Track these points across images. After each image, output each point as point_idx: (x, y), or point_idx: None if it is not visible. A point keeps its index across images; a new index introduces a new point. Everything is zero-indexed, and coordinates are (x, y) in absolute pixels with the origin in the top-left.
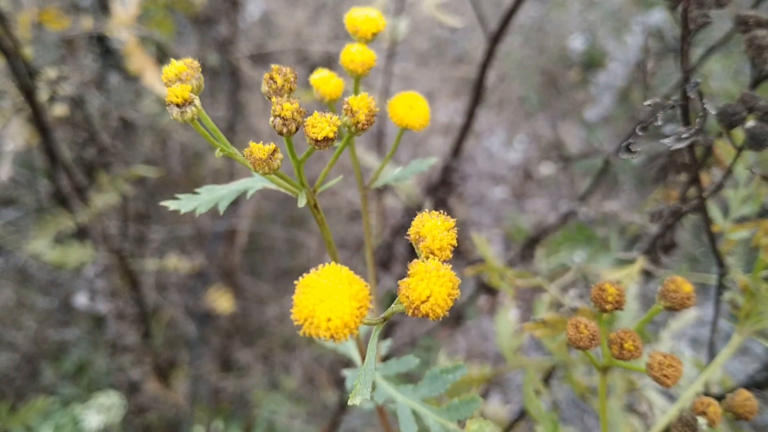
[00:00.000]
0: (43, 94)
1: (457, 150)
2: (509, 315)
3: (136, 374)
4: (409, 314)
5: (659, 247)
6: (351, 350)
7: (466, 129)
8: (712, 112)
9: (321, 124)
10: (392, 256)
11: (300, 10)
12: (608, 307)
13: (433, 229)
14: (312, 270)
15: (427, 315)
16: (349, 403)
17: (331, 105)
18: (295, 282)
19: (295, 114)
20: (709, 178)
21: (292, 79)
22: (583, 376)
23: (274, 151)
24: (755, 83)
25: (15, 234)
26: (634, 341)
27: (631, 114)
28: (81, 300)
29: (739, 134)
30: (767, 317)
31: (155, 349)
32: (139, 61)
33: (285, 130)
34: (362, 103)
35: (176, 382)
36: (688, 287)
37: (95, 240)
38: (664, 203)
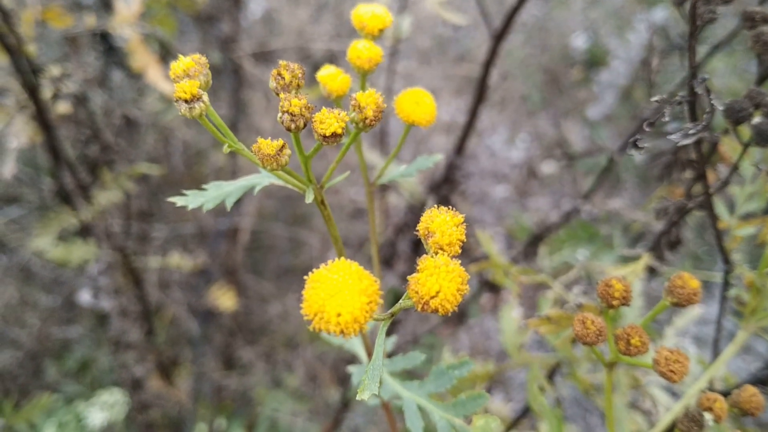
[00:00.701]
0: (46, 92)
1: (460, 148)
2: (513, 312)
3: (139, 372)
4: (419, 309)
5: (664, 244)
6: (357, 347)
7: (469, 127)
8: (720, 108)
9: (329, 120)
10: (395, 254)
11: (302, 8)
12: (615, 302)
13: (442, 224)
14: (321, 265)
15: (436, 310)
16: (357, 397)
17: (337, 102)
18: (305, 277)
19: (304, 110)
20: (714, 175)
21: (299, 75)
22: (587, 373)
23: (283, 146)
24: (761, 79)
25: (18, 232)
26: (640, 337)
27: (634, 113)
28: (84, 297)
29: (745, 131)
30: None
31: (158, 347)
32: (142, 58)
33: (293, 126)
34: (370, 99)
35: (179, 380)
36: (695, 283)
37: (98, 238)
38: (670, 200)
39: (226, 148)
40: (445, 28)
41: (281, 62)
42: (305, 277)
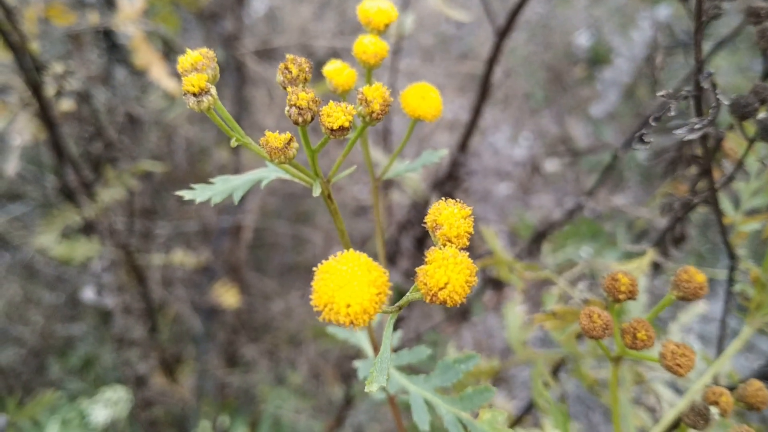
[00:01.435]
0: (49, 89)
1: (463, 145)
2: (517, 308)
3: (142, 369)
4: (427, 301)
5: (669, 240)
6: (362, 341)
7: (472, 124)
8: (725, 103)
9: (336, 114)
10: (398, 251)
11: (305, 6)
12: (621, 296)
13: (450, 216)
14: (330, 257)
15: (444, 302)
16: (366, 389)
17: (343, 96)
18: (314, 269)
19: (311, 103)
20: (719, 171)
21: (307, 69)
22: (591, 369)
23: (291, 140)
24: (767, 75)
25: (22, 229)
26: (647, 331)
27: (638, 110)
28: (87, 295)
29: (750, 126)
30: None
31: (161, 344)
32: (145, 55)
33: (300, 119)
34: (377, 92)
35: (182, 377)
36: (701, 277)
37: (102, 235)
38: (675, 195)
39: (233, 142)
40: (448, 25)
41: (288, 56)
42: (314, 269)
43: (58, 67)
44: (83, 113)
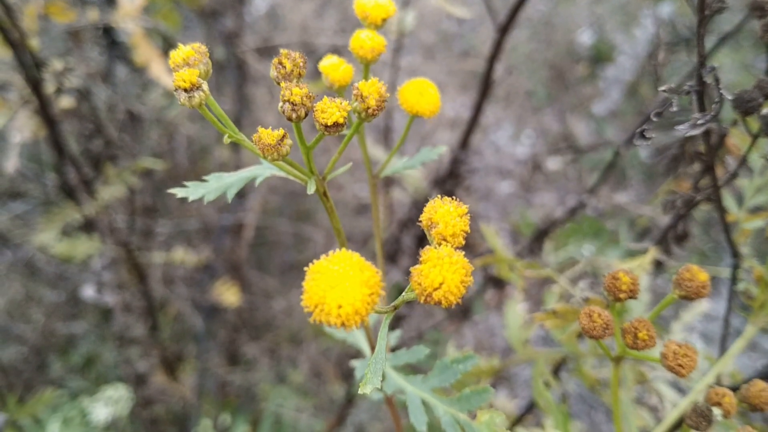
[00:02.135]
0: (49, 86)
1: (465, 142)
2: (518, 306)
3: (143, 367)
4: (421, 301)
5: (671, 238)
6: (360, 341)
7: (474, 122)
8: (729, 98)
9: (331, 110)
10: (400, 249)
11: (306, 4)
12: (622, 295)
13: (445, 215)
14: (322, 256)
15: (439, 302)
16: (360, 391)
17: (340, 92)
18: (305, 269)
19: (305, 99)
20: (722, 168)
21: (301, 64)
22: (593, 368)
23: (284, 136)
24: None
25: (22, 227)
26: (648, 330)
27: (640, 108)
28: (88, 293)
29: (754, 122)
30: None
31: (162, 342)
32: (145, 53)
33: (294, 115)
34: (373, 88)
35: (183, 376)
36: (703, 276)
37: (102, 233)
38: (678, 192)
39: (226, 138)
40: (449, 23)
41: (282, 51)
42: (305, 269)
43: (57, 64)
44: (83, 110)
